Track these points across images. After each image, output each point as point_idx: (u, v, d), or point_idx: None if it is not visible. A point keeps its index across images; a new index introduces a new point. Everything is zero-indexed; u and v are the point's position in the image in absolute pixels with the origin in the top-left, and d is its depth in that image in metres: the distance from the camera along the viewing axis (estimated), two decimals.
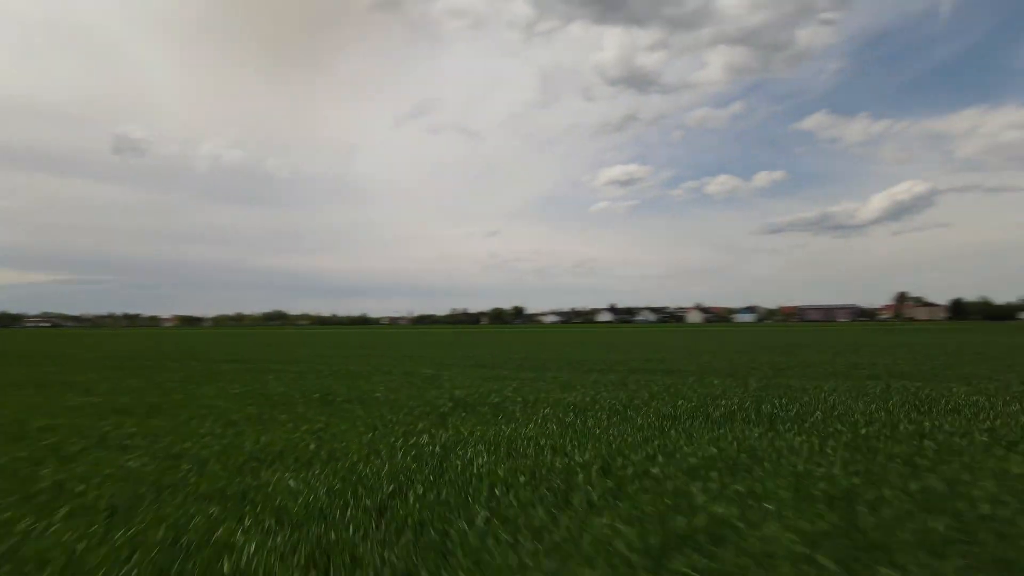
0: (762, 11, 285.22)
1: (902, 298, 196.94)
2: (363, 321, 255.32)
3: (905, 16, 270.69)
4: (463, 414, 8.23)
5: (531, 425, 7.24)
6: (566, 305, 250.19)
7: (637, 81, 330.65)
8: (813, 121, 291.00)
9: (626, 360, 18.55)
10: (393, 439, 6.47)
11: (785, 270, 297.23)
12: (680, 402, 8.97)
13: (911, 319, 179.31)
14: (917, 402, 8.81)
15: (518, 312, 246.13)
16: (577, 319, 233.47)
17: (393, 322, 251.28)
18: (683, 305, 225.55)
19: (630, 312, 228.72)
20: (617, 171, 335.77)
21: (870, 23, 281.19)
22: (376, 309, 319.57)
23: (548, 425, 7.23)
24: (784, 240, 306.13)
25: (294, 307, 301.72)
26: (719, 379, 12.53)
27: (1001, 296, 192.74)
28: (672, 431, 6.73)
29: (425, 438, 6.50)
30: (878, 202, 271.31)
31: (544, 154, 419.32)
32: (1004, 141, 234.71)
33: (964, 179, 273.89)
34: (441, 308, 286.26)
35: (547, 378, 13.01)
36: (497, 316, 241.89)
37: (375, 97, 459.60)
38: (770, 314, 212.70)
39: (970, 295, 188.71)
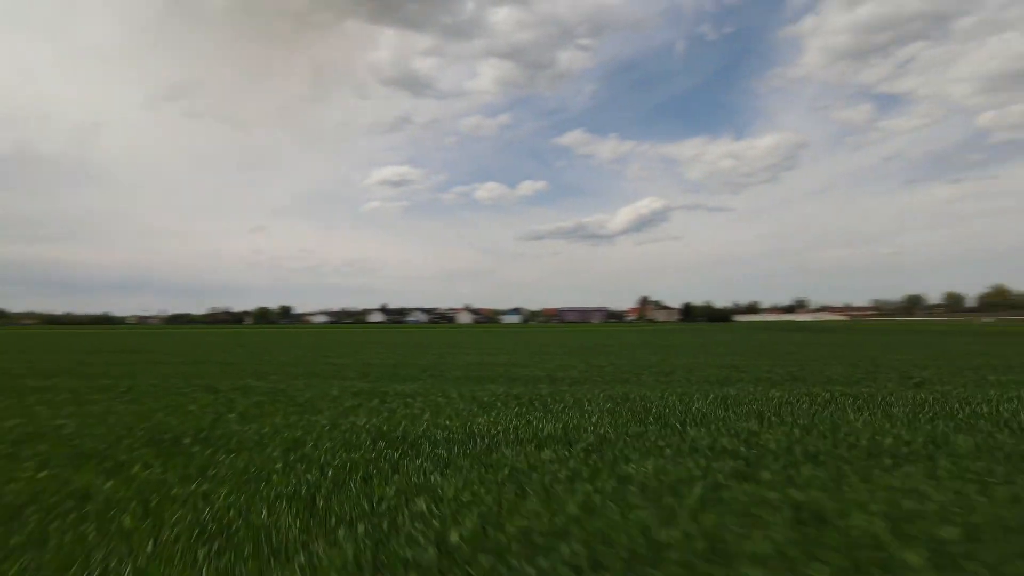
0: (528, 30, 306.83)
1: (644, 301, 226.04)
2: (106, 320, 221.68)
3: (648, 50, 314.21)
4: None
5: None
6: (336, 305, 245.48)
7: (412, 84, 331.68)
8: (572, 137, 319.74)
9: (444, 364, 16.09)
10: None
11: (546, 274, 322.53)
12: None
13: (652, 320, 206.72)
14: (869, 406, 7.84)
15: (285, 312, 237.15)
16: (348, 319, 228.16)
17: (142, 321, 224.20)
18: (453, 306, 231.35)
19: (402, 312, 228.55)
20: (389, 172, 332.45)
21: (620, 53, 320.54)
22: (122, 307, 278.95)
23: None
24: (545, 246, 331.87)
25: (16, 305, 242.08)
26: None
27: (720, 300, 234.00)
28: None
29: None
30: (624, 215, 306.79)
31: (314, 150, 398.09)
32: (721, 168, 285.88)
33: (692, 199, 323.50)
34: (199, 307, 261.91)
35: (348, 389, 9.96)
36: (262, 316, 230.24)
37: (125, 74, 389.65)
38: (533, 315, 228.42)
39: (697, 299, 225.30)
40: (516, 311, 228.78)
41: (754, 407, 7.66)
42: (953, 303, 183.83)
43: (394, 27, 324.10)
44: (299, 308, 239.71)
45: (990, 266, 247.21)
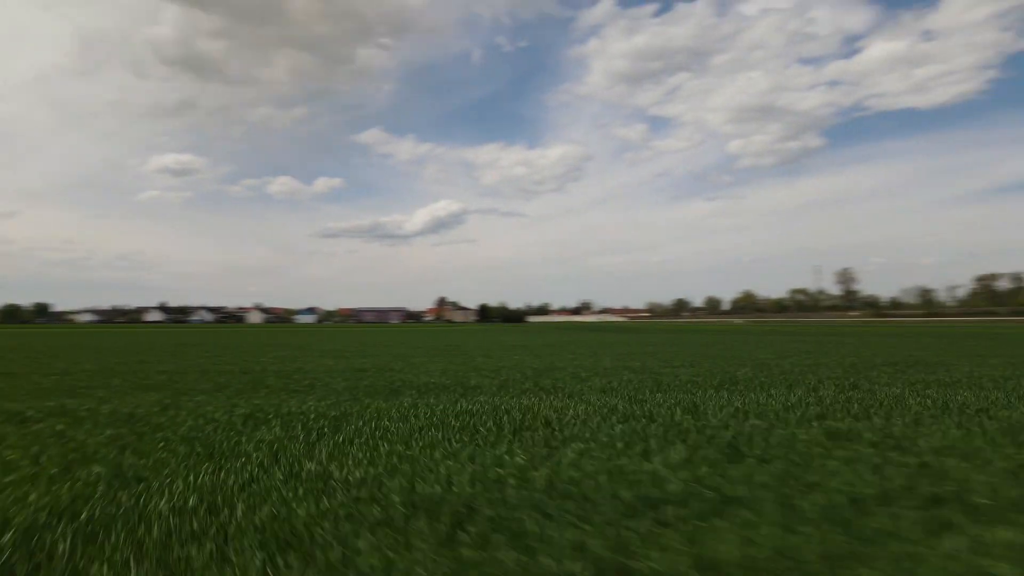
0: (327, 22, 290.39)
1: (442, 302, 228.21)
2: None
3: (447, 55, 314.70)
4: None
5: None
6: (106, 303, 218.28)
7: (198, 67, 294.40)
8: (370, 136, 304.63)
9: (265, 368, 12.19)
10: None
11: (341, 273, 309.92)
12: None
13: (450, 320, 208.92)
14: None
15: (42, 310, 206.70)
16: (120, 318, 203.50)
17: None
18: (243, 304, 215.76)
19: (184, 311, 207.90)
20: (171, 159, 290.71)
21: (419, 55, 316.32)
22: None
23: None
24: (341, 244, 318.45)
25: None
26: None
27: (514, 302, 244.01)
28: None
29: None
30: (422, 216, 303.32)
31: (81, 129, 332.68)
32: (515, 174, 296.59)
33: (487, 203, 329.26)
34: None
35: None
36: (11, 314, 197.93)
37: None
38: (329, 315, 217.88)
39: (492, 300, 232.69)
40: (311, 311, 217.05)
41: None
42: (713, 306, 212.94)
43: (178, 2, 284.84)
44: (59, 306, 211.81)
45: (741, 274, 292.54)
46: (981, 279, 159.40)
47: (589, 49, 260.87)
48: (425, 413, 6.54)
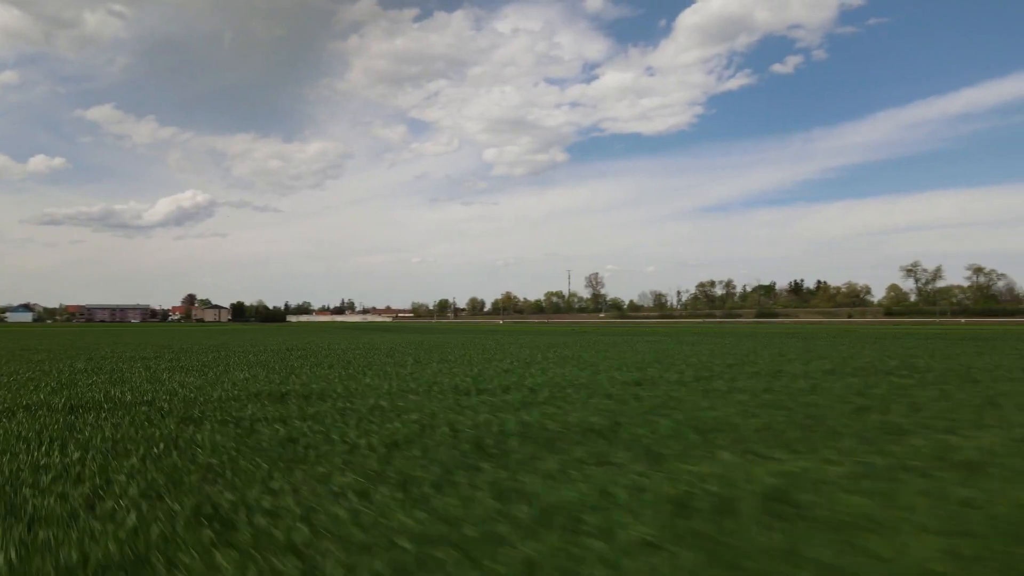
0: None
1: (191, 300, 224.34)
2: None
3: (194, 34, 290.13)
4: None
5: None
6: None
7: None
8: (101, 113, 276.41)
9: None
10: None
11: (64, 266, 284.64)
12: None
13: (201, 320, 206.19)
14: None
15: None
16: None
17: None
18: None
19: None
20: None
21: (161, 29, 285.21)
22: None
23: None
24: (63, 233, 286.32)
25: None
26: None
27: (272, 300, 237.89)
28: None
29: None
30: (164, 206, 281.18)
31: None
32: (270, 168, 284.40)
33: (239, 196, 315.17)
34: None
35: None
36: None
37: None
38: (50, 313, 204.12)
39: (246, 298, 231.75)
40: (26, 307, 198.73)
41: None
42: (478, 307, 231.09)
43: None
44: None
45: (499, 276, 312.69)
46: (700, 286, 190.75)
47: (350, 45, 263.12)
48: None
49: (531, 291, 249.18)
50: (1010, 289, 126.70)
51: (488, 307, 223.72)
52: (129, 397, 8.23)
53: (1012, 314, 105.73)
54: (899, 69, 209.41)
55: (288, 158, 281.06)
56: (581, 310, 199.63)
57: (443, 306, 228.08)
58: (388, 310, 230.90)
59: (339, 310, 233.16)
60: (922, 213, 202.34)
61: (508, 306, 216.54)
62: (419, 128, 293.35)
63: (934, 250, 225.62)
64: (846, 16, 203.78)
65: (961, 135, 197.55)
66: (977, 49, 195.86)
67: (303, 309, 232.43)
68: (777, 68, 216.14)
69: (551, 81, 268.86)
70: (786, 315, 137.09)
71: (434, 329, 54.79)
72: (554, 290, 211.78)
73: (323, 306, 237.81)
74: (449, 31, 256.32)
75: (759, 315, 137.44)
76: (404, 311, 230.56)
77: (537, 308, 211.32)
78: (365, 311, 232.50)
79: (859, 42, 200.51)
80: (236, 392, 8.79)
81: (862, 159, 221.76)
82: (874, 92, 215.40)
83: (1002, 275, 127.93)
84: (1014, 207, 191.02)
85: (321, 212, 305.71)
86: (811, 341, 23.94)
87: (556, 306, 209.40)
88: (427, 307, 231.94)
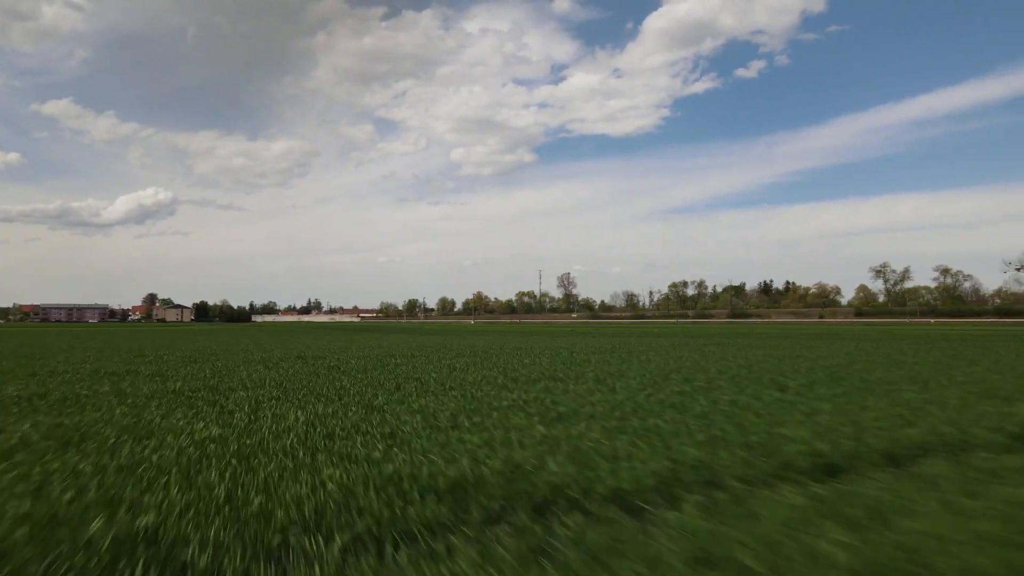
0: None
1: (152, 299, 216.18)
2: None
3: (156, 28, 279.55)
4: None
5: None
6: None
7: None
8: (58, 107, 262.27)
9: None
10: None
11: (19, 264, 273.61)
12: None
13: (163, 319, 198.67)
14: None
15: None
16: None
17: None
18: None
19: None
20: None
21: (121, 24, 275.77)
22: None
23: None
24: (17, 231, 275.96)
25: None
26: None
27: (237, 300, 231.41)
28: None
29: None
30: (124, 204, 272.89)
31: None
32: (234, 166, 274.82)
33: (201, 194, 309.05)
34: None
35: None
36: None
37: None
38: (3, 313, 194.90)
39: (210, 298, 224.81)
40: None
41: None
42: (449, 307, 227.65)
43: None
44: None
45: (469, 276, 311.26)
46: (673, 286, 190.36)
47: (317, 43, 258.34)
48: None
49: (501, 291, 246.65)
50: (976, 290, 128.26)
51: (459, 307, 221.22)
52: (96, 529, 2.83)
53: (979, 315, 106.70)
54: (859, 75, 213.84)
55: (253, 156, 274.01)
56: (553, 310, 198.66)
57: (412, 306, 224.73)
58: (355, 310, 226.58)
59: (305, 310, 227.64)
60: (883, 216, 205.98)
61: (479, 306, 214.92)
62: (387, 127, 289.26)
63: (895, 252, 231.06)
64: (808, 23, 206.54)
65: (918, 140, 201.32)
66: (932, 57, 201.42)
67: (269, 309, 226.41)
68: (741, 73, 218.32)
69: (519, 82, 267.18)
70: (758, 315, 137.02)
71: (420, 330, 51.91)
72: (525, 290, 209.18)
73: (289, 306, 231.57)
74: (417, 30, 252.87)
75: (732, 315, 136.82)
76: (371, 311, 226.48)
77: (508, 308, 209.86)
78: (332, 311, 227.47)
79: (820, 48, 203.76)
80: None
81: (824, 163, 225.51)
82: (835, 97, 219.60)
83: (968, 276, 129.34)
84: (973, 211, 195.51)
85: (287, 211, 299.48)
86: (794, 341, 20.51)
87: (528, 306, 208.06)
88: (396, 307, 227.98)
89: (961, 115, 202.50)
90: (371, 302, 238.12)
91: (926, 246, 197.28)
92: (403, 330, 52.23)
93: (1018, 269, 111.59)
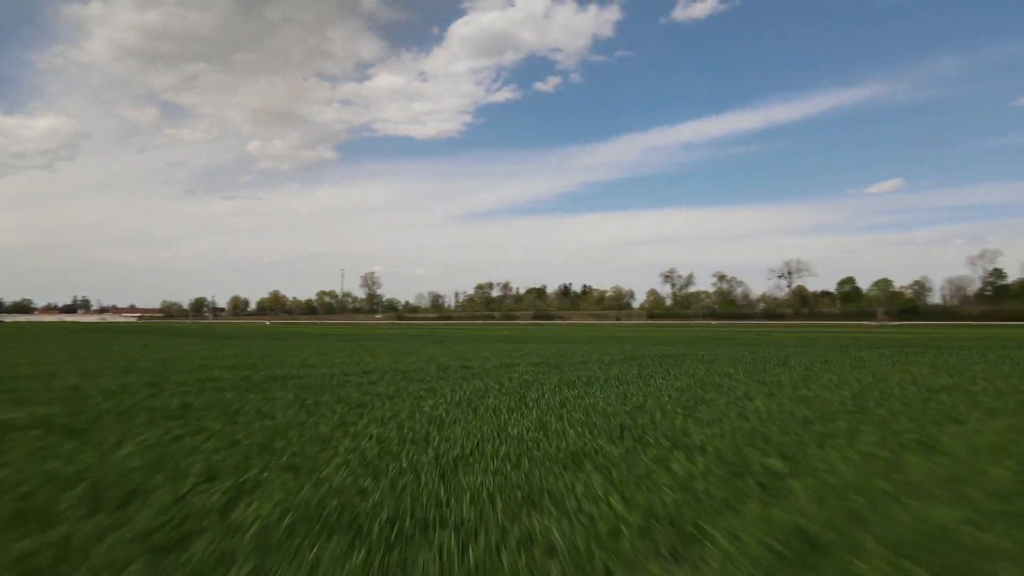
0: None
1: None
2: None
3: None
4: None
5: None
6: None
7: None
8: None
9: None
10: None
11: None
12: None
13: None
14: None
15: None
16: None
17: None
18: None
19: None
20: None
21: None
22: None
23: None
24: None
25: None
26: None
27: (10, 296, 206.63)
28: None
29: None
30: None
31: None
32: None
33: None
34: None
35: None
36: None
37: None
38: None
39: None
40: None
41: None
42: (241, 307, 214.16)
43: None
44: None
45: (264, 275, 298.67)
46: (479, 288, 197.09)
47: (91, 12, 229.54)
48: None
49: (300, 290, 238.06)
50: (745, 295, 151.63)
51: (253, 307, 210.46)
52: None
53: (749, 316, 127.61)
54: (641, 98, 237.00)
55: (8, 133, 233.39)
56: (356, 311, 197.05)
57: (199, 305, 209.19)
58: (133, 309, 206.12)
59: (70, 308, 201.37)
60: (660, 227, 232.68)
61: (276, 306, 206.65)
62: (174, 112, 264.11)
63: (672, 260, 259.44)
64: (598, 45, 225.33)
65: (690, 161, 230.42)
66: (699, 87, 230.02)
67: (22, 307, 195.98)
68: (539, 86, 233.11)
69: (323, 76, 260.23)
70: (560, 317, 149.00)
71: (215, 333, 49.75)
72: (326, 289, 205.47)
73: (49, 304, 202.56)
74: (212, 11, 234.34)
75: (536, 317, 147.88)
76: (153, 310, 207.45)
77: (309, 308, 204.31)
78: (103, 310, 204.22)
79: (609, 70, 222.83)
80: None
81: (611, 176, 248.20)
82: (621, 117, 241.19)
83: (740, 282, 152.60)
84: (739, 224, 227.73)
85: (50, 197, 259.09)
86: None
87: (329, 306, 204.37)
88: (180, 306, 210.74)
89: (724, 141, 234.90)
90: (153, 300, 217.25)
91: (697, 256, 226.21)
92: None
93: (780, 277, 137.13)
